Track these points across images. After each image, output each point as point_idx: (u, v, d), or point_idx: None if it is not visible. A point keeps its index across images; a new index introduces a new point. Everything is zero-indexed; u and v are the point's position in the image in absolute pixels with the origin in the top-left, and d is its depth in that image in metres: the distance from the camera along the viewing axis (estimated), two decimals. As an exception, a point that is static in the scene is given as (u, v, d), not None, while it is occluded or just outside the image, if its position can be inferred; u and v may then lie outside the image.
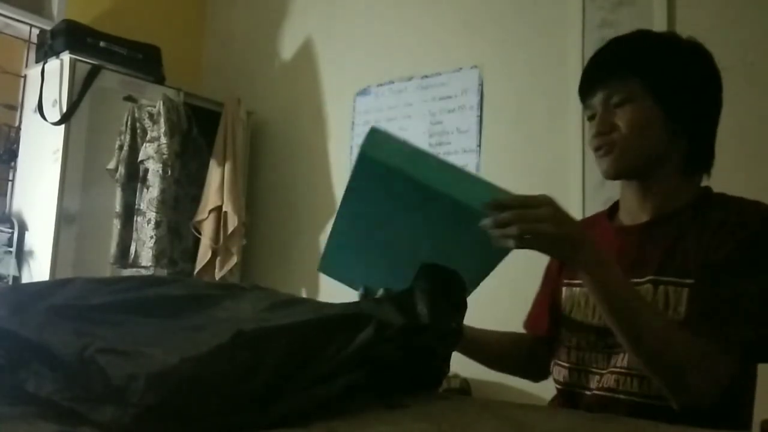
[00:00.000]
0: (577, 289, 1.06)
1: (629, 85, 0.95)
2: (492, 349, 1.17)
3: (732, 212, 0.92)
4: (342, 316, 0.67)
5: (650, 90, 0.94)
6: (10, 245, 2.67)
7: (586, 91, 1.02)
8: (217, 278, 2.91)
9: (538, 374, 1.20)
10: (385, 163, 0.78)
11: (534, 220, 0.77)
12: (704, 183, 1.04)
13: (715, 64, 1.00)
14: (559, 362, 1.06)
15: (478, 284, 0.93)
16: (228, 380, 0.55)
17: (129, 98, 2.85)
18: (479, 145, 2.58)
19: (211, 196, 2.90)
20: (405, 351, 0.71)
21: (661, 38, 1.01)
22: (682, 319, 0.88)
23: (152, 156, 2.73)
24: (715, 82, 0.99)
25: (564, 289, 1.10)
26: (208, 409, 0.54)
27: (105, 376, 0.54)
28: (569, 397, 1.03)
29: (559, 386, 1.06)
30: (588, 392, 0.98)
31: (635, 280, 0.95)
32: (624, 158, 0.96)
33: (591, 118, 1.01)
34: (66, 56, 2.69)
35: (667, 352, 0.83)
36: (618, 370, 0.94)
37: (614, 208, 1.11)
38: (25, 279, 2.66)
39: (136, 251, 2.72)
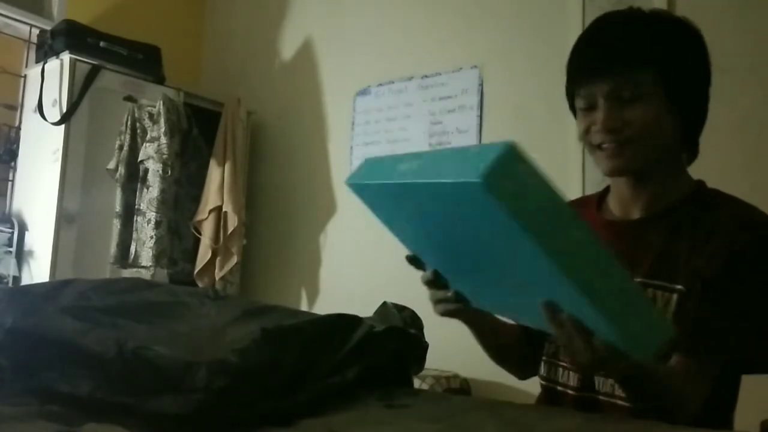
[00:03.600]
0: None
1: (641, 79, 0.87)
2: (504, 336, 1.09)
3: (725, 219, 0.89)
4: (338, 317, 0.71)
5: (663, 84, 0.87)
6: (10, 245, 2.67)
7: (585, 78, 0.92)
8: (217, 278, 2.91)
9: (527, 370, 1.14)
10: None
11: (573, 351, 0.70)
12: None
13: (706, 46, 0.94)
14: (542, 357, 1.05)
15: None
16: (263, 370, 0.61)
17: (129, 98, 2.85)
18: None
19: (211, 196, 2.90)
20: (386, 352, 0.77)
21: (670, 21, 0.92)
22: None
23: (152, 156, 2.73)
24: (708, 67, 0.94)
25: None
26: (252, 395, 0.59)
27: (156, 368, 0.58)
28: (550, 394, 1.01)
29: (541, 381, 1.05)
30: (570, 391, 0.97)
31: None
32: (636, 158, 0.90)
33: (587, 108, 0.92)
34: (66, 56, 2.69)
35: (666, 406, 0.83)
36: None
37: (603, 194, 1.07)
38: (25, 279, 2.66)
39: (136, 251, 2.72)
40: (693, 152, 0.98)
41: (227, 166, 2.94)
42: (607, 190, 1.06)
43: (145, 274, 2.78)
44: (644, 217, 0.97)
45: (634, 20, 0.92)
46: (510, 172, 0.54)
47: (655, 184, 0.96)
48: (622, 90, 0.88)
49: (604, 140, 0.91)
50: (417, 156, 0.68)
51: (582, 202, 1.11)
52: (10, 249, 2.67)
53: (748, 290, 0.86)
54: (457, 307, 0.85)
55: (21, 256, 2.70)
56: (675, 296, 0.88)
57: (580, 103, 0.94)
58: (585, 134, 0.94)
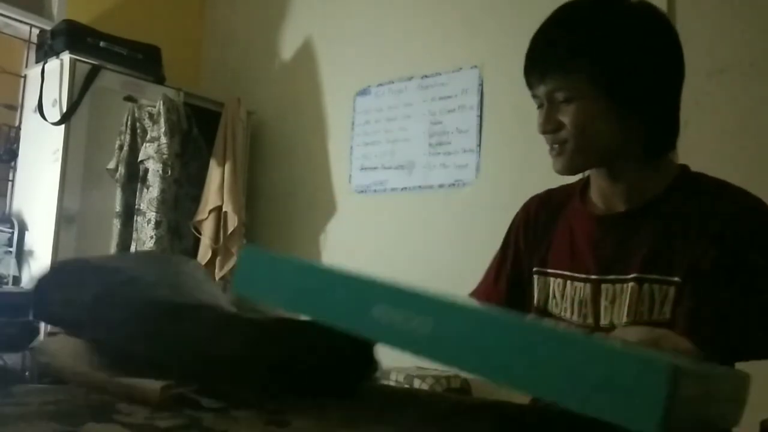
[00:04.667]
0: (551, 279, 1.00)
1: (574, 80, 0.87)
2: None
3: (716, 209, 0.88)
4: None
5: (598, 83, 0.87)
6: (10, 245, 2.67)
7: (528, 81, 0.94)
8: (217, 278, 2.90)
9: None
10: None
11: None
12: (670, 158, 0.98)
13: (671, 28, 0.91)
14: None
15: None
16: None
17: (129, 98, 2.85)
18: (479, 145, 2.58)
19: (211, 196, 2.90)
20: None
21: (608, 13, 0.90)
22: (668, 319, 0.86)
23: (152, 156, 2.73)
24: (672, 51, 0.91)
25: (536, 277, 1.03)
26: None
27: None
28: None
29: None
30: None
31: (617, 276, 0.92)
32: (575, 158, 0.92)
33: (540, 106, 0.94)
34: (66, 56, 2.69)
35: None
36: None
37: (585, 185, 1.05)
38: (25, 279, 2.66)
39: (136, 251, 2.72)
40: (667, 138, 0.94)
41: (227, 166, 2.94)
42: (588, 180, 1.05)
43: (145, 274, 2.78)
44: (630, 210, 0.96)
45: (572, 19, 0.91)
46: (677, 407, 0.41)
47: (630, 176, 0.94)
48: (556, 92, 0.90)
49: (547, 141, 0.94)
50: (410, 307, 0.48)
51: (566, 193, 1.09)
52: (10, 249, 2.67)
53: (746, 276, 0.85)
54: None
55: (21, 256, 2.70)
56: (672, 289, 0.87)
57: (534, 102, 0.97)
58: (539, 131, 0.96)
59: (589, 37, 0.88)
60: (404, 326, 0.48)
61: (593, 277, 0.95)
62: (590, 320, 0.94)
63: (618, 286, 0.92)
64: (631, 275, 0.90)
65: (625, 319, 0.89)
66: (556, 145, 0.92)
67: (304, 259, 0.60)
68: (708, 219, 0.88)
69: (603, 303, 0.93)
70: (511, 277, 1.09)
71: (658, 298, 0.88)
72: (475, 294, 1.15)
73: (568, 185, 1.10)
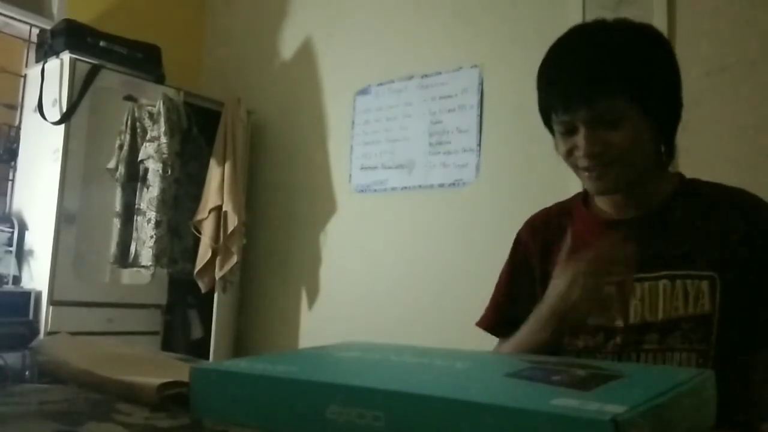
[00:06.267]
0: None
1: (619, 103, 0.89)
2: None
3: (732, 205, 0.95)
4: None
5: (639, 101, 0.90)
6: (10, 245, 2.67)
7: (563, 105, 0.92)
8: (217, 278, 2.90)
9: None
10: None
11: None
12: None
13: (669, 43, 0.98)
14: None
15: None
16: None
17: (129, 98, 2.85)
18: (479, 145, 2.58)
19: (211, 196, 2.90)
20: None
21: (638, 34, 0.94)
22: (708, 311, 0.90)
23: (152, 155, 2.73)
24: (677, 65, 0.97)
25: None
26: None
27: None
28: None
29: None
30: None
31: (646, 275, 0.94)
32: (621, 178, 0.93)
33: (567, 132, 0.94)
34: (66, 56, 2.69)
35: None
36: None
37: (585, 194, 1.07)
38: (25, 279, 2.66)
39: (136, 251, 2.72)
40: (671, 150, 1.00)
41: (227, 166, 2.94)
42: (587, 192, 1.06)
43: (146, 274, 2.78)
44: (643, 215, 0.99)
45: (605, 41, 0.93)
46: None
47: (643, 188, 0.98)
48: (601, 114, 0.90)
49: (588, 164, 0.94)
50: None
51: (565, 207, 1.10)
52: (10, 248, 2.66)
53: None
54: None
55: (21, 255, 2.70)
56: (705, 283, 0.91)
57: (558, 128, 0.96)
58: (568, 156, 0.97)
59: (628, 57, 0.91)
60: (359, 423, 0.48)
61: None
62: (619, 320, 0.96)
63: (647, 284, 0.94)
64: (661, 272, 0.94)
65: (660, 314, 0.93)
66: (598, 167, 0.93)
67: (257, 364, 0.59)
68: (727, 217, 0.94)
69: (633, 302, 0.95)
70: (518, 293, 1.10)
71: (692, 293, 0.92)
72: (483, 320, 1.15)
73: (565, 201, 1.12)
